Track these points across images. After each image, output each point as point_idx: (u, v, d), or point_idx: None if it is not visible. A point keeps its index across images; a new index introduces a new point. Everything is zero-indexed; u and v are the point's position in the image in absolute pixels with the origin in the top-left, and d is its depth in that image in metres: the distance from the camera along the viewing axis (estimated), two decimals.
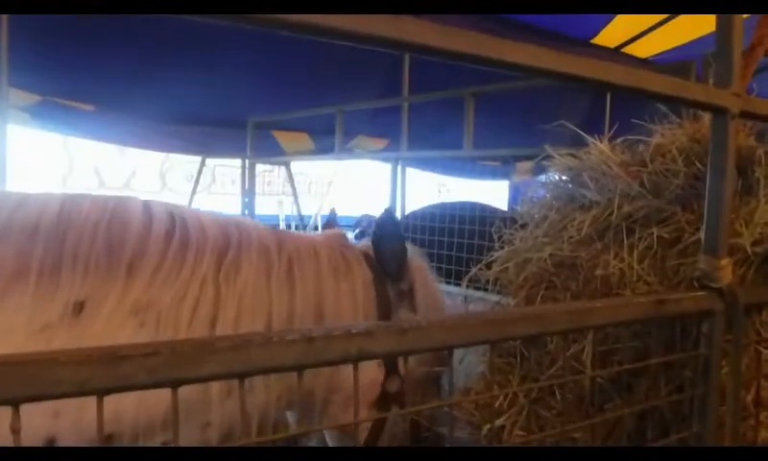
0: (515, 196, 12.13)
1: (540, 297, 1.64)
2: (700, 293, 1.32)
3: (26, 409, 0.67)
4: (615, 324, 1.19)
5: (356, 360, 0.89)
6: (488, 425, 1.59)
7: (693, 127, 1.61)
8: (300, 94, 5.03)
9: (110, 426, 1.32)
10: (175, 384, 0.77)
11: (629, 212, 1.60)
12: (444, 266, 3.60)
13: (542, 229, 1.74)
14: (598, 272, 1.58)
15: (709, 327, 1.34)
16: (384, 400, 1.76)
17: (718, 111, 1.33)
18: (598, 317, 1.15)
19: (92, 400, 1.30)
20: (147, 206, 1.54)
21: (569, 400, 1.52)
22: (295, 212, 5.98)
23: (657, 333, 1.39)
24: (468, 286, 3.46)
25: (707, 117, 1.59)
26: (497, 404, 1.65)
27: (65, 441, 1.31)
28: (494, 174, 8.85)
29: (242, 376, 0.81)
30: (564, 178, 1.80)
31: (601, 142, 1.73)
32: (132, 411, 1.36)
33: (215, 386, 1.42)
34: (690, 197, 1.57)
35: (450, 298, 3.43)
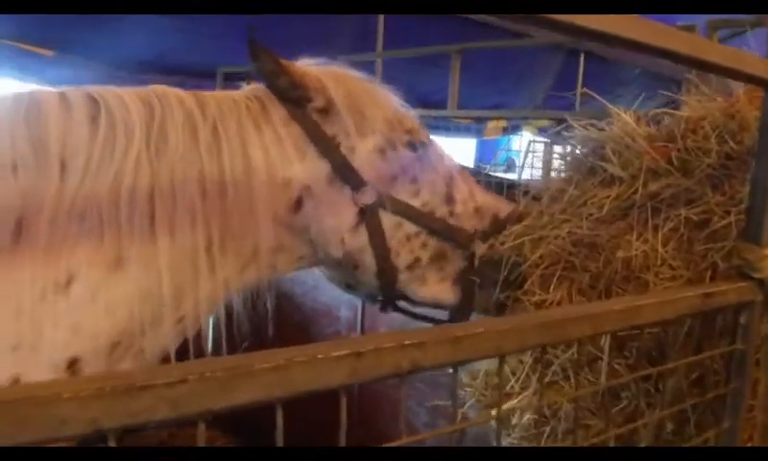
0: (483, 153, 12.15)
1: (556, 277, 1.54)
2: (742, 284, 1.24)
3: None
4: (665, 322, 1.10)
5: (408, 373, 0.77)
6: (497, 407, 1.50)
7: (728, 101, 1.50)
8: (269, 45, 4.76)
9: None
10: (204, 416, 0.63)
11: (655, 191, 1.50)
12: None
13: (560, 204, 1.63)
14: (620, 254, 1.48)
15: (747, 318, 1.26)
16: (367, 214, 1.59)
17: None
18: (649, 314, 1.05)
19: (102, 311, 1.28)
20: (63, 95, 1.36)
21: (584, 386, 1.44)
22: None
23: (699, 328, 1.31)
24: None
25: (741, 92, 1.49)
26: (509, 387, 1.56)
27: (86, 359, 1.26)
28: (465, 131, 8.75)
29: (283, 401, 0.68)
30: (584, 150, 1.68)
31: (625, 113, 1.61)
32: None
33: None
34: (722, 177, 1.47)
35: None
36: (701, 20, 2.98)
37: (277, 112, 1.57)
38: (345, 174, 1.58)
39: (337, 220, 1.58)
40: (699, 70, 1.11)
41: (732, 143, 1.46)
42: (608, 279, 1.50)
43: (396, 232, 1.62)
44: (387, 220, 1.61)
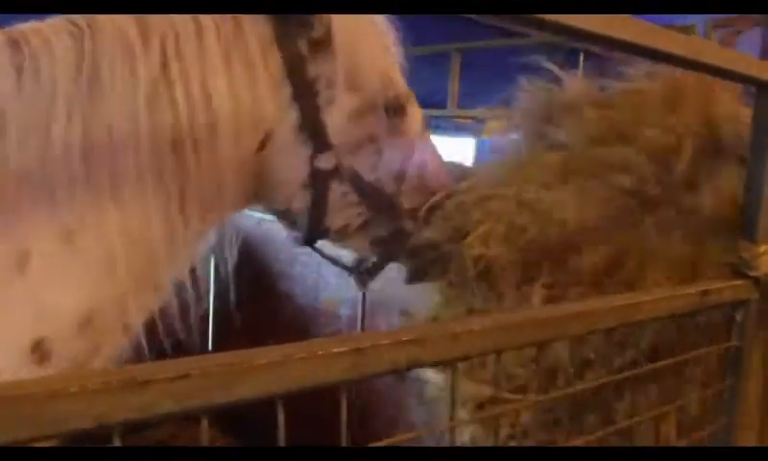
0: (482, 153, 12.14)
1: (500, 235, 1.52)
2: (738, 282, 1.25)
3: None
4: (662, 317, 1.11)
5: (407, 369, 0.78)
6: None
7: (673, 79, 1.53)
8: None
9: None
10: (206, 411, 0.64)
11: (595, 157, 1.52)
12: None
13: (507, 166, 1.65)
14: (557, 217, 1.49)
15: (743, 316, 1.27)
16: (319, 180, 1.46)
17: (764, 86, 1.23)
18: (647, 311, 1.06)
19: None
20: None
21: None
22: None
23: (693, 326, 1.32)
24: None
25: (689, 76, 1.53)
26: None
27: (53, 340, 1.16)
28: (465, 131, 8.75)
29: (281, 397, 0.69)
30: (533, 114, 1.70)
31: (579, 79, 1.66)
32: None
33: None
34: (660, 149, 1.49)
35: None
36: (699, 20, 2.99)
37: (256, 34, 1.33)
38: (312, 131, 1.41)
39: (291, 175, 1.45)
40: (694, 70, 1.12)
41: (672, 117, 1.49)
42: (543, 242, 1.51)
43: (340, 201, 1.53)
44: (336, 188, 1.50)
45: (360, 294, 3.67)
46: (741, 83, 1.29)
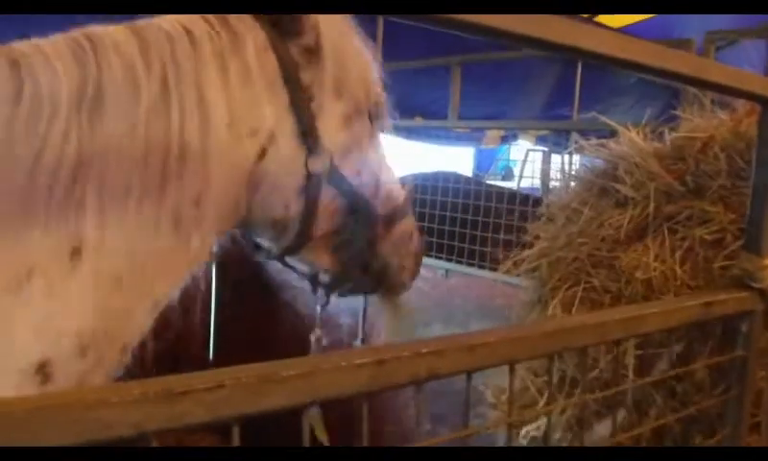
0: (480, 162, 12.21)
1: (578, 299, 1.56)
2: (743, 294, 1.28)
3: None
4: (668, 329, 1.14)
5: (425, 380, 0.80)
6: (528, 427, 1.52)
7: (733, 118, 1.54)
8: None
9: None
10: (237, 421, 0.66)
11: (670, 213, 1.54)
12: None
13: (577, 225, 1.66)
14: (639, 275, 1.51)
15: (748, 327, 1.30)
16: (313, 184, 1.45)
17: None
18: (652, 323, 1.09)
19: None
20: None
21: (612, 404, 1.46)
22: None
23: (700, 336, 1.34)
24: (451, 259, 3.42)
25: (742, 109, 1.53)
26: (539, 406, 1.58)
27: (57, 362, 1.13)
28: (464, 140, 8.80)
29: (308, 406, 0.71)
30: (595, 170, 1.72)
31: (632, 131, 1.65)
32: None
33: None
34: (733, 197, 1.51)
35: (428, 270, 3.39)
36: (698, 33, 3.03)
37: (253, 39, 1.33)
38: (308, 137, 1.41)
39: (290, 181, 1.43)
40: (698, 88, 1.15)
41: (741, 163, 1.50)
42: (628, 300, 1.54)
43: (327, 206, 1.50)
44: (326, 193, 1.48)
45: (361, 303, 3.69)
46: (745, 99, 1.33)
